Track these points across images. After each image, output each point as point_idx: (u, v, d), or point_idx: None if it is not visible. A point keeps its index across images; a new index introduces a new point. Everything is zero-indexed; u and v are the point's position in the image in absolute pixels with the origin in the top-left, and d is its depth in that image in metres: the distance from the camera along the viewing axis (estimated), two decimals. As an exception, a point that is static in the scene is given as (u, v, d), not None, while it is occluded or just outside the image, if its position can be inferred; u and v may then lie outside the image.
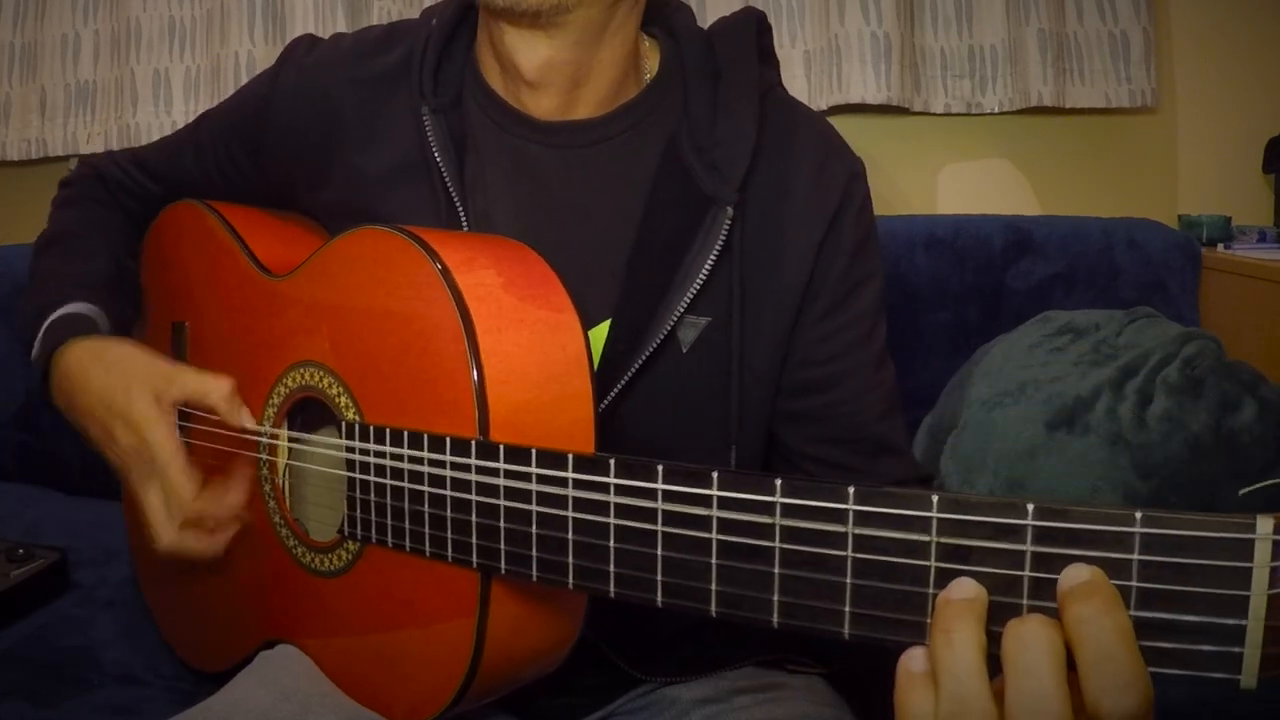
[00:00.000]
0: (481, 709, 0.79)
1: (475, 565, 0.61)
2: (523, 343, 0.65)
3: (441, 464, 0.62)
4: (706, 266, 0.74)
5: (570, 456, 0.54)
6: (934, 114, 1.61)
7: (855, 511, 0.44)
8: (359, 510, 0.69)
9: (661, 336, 0.74)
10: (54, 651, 1.04)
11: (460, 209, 0.78)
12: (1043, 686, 0.38)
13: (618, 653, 0.81)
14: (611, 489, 0.52)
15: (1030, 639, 0.39)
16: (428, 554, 0.64)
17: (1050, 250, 1.45)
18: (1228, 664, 0.38)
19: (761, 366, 0.79)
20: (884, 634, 0.44)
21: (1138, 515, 0.39)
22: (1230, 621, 0.37)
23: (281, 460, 0.79)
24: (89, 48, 1.65)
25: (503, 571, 0.59)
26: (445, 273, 0.65)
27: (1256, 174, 1.67)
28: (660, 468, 0.50)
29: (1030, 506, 0.40)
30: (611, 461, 0.52)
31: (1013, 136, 1.67)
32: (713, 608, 0.49)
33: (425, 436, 0.63)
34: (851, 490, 0.44)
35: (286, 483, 0.80)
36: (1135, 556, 0.39)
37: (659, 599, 0.51)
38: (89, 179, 0.99)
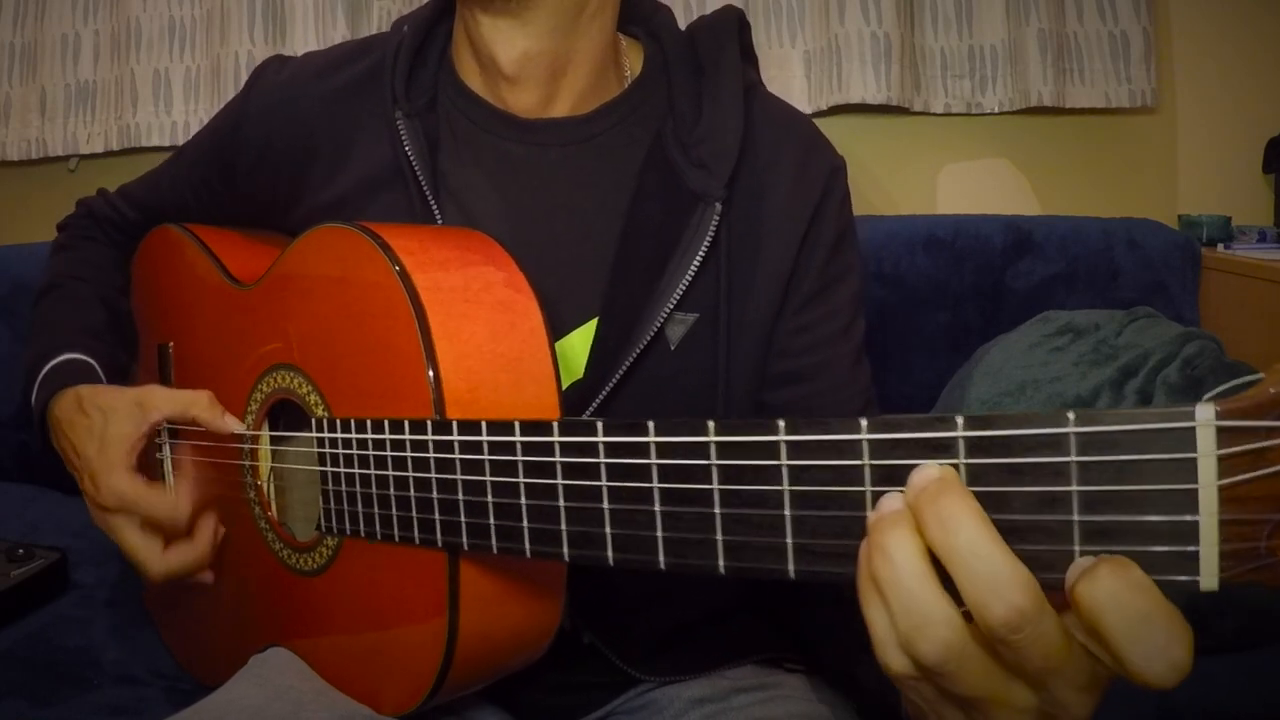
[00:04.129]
0: (478, 707, 0.79)
1: (440, 544, 0.61)
2: (478, 322, 0.65)
3: (401, 446, 0.62)
4: (694, 264, 0.74)
5: (517, 424, 0.55)
6: (934, 114, 1.61)
7: (787, 443, 0.44)
8: (333, 503, 0.69)
9: (650, 335, 0.75)
10: (54, 651, 1.04)
11: (436, 211, 0.78)
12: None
13: (615, 652, 0.81)
14: (556, 449, 0.53)
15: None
16: (396, 538, 0.64)
17: (1050, 250, 1.45)
18: (1185, 565, 0.36)
19: (748, 360, 0.79)
20: (829, 568, 0.43)
21: (1070, 415, 0.37)
22: (1181, 519, 0.35)
23: (264, 464, 0.80)
24: (89, 48, 1.65)
25: (465, 547, 0.60)
26: (394, 260, 0.66)
27: (1256, 174, 1.67)
28: (600, 423, 0.50)
29: (960, 418, 0.39)
30: (555, 424, 0.53)
31: (1013, 136, 1.67)
32: (660, 558, 0.49)
33: (386, 422, 0.64)
34: (782, 423, 0.44)
35: (271, 487, 0.80)
36: (1073, 458, 0.37)
37: (610, 555, 0.51)
38: (81, 217, 1.01)
